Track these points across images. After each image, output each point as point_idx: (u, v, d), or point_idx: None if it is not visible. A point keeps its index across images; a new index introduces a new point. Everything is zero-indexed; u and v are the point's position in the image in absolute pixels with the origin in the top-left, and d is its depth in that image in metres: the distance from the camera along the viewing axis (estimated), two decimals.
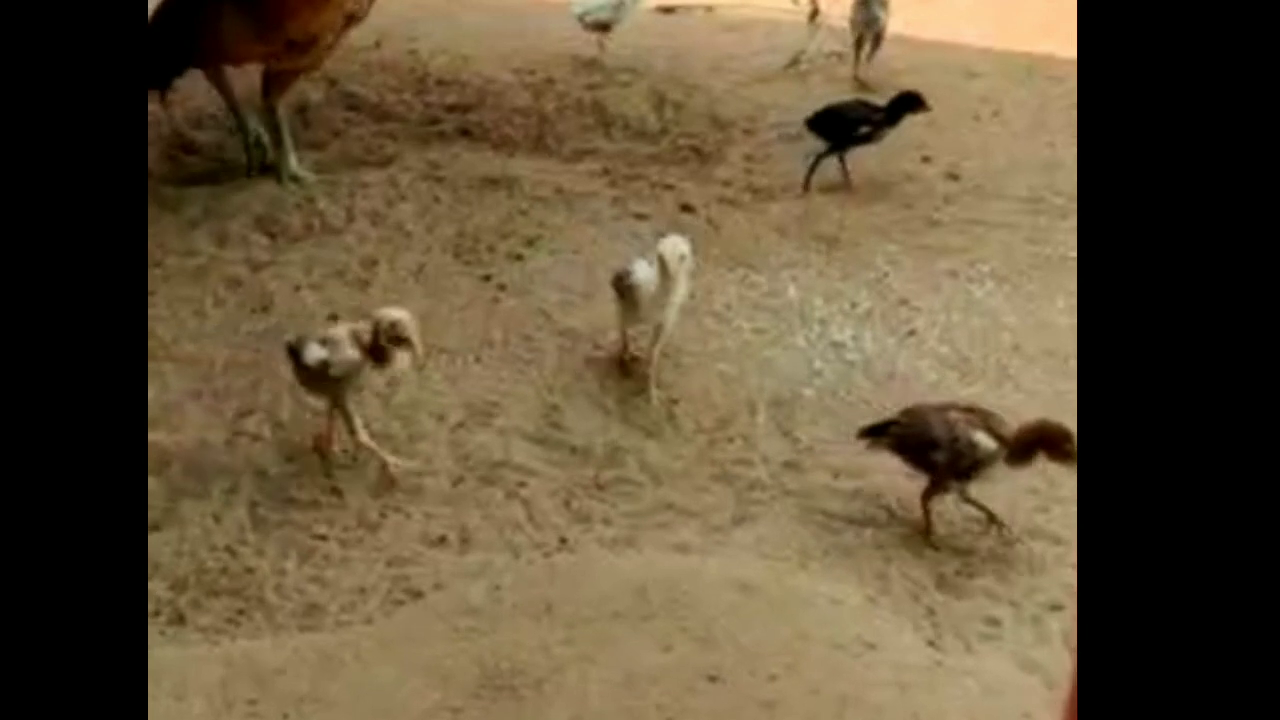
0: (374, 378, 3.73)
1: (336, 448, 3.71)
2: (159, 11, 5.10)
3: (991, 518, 3.48)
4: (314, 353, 3.58)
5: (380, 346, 3.56)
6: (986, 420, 3.47)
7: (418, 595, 3.22)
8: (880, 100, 5.35)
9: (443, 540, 3.43)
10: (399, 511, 3.55)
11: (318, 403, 3.75)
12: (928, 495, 3.49)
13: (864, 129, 5.20)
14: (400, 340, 3.54)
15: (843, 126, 5.22)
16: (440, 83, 6.22)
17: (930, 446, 3.45)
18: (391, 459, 3.63)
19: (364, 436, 3.64)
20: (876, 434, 3.58)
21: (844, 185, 5.26)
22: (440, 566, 3.31)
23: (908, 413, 3.59)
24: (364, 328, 3.60)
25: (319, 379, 3.62)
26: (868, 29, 6.08)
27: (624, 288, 4.00)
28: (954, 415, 3.48)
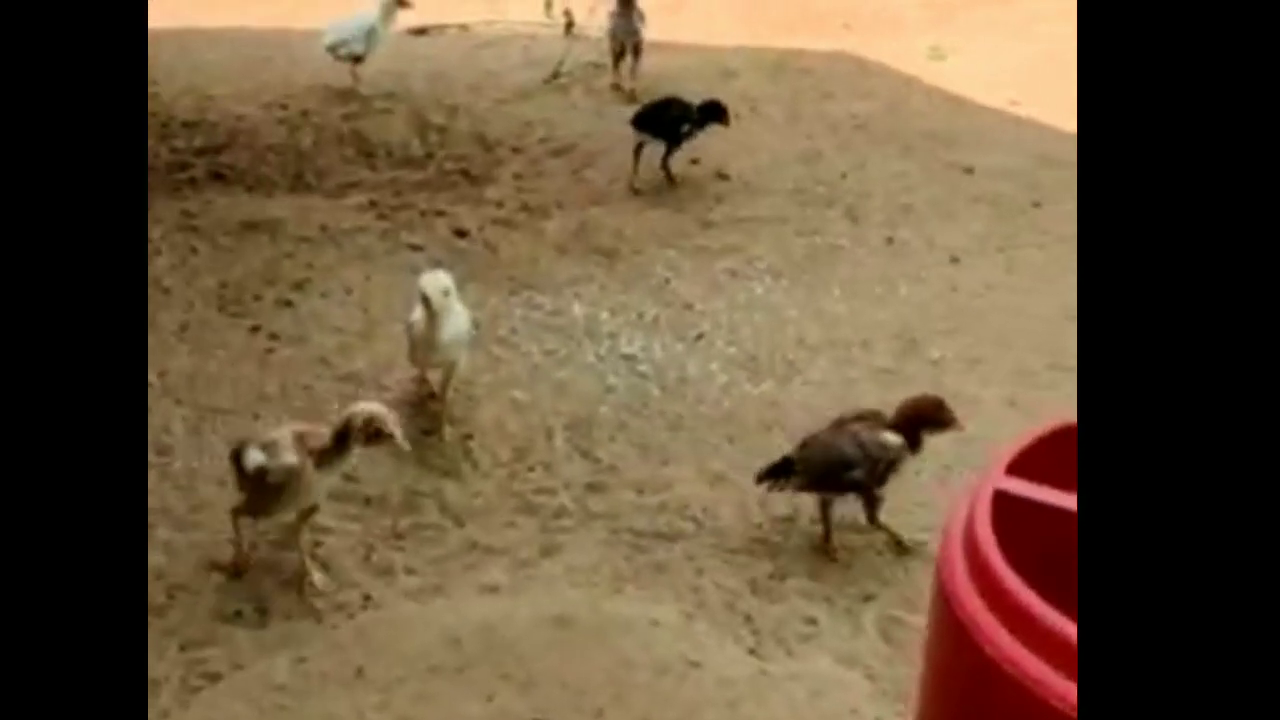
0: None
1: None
2: None
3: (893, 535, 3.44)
4: (253, 458, 3.24)
5: (342, 446, 3.19)
6: (878, 418, 3.38)
7: (215, 678, 3.01)
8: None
9: (239, 615, 3.23)
10: (187, 590, 3.32)
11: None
12: (871, 519, 3.38)
13: (685, 126, 5.22)
14: (381, 435, 3.18)
15: (669, 123, 5.25)
16: (186, 125, 5.93)
17: (845, 467, 3.33)
18: (319, 578, 3.31)
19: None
20: (778, 475, 3.40)
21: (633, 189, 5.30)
22: (239, 644, 3.12)
23: (806, 445, 3.42)
24: (312, 429, 3.26)
25: (259, 486, 3.25)
26: (628, 39, 6.10)
27: (407, 331, 3.88)
28: (853, 427, 3.37)
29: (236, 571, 3.33)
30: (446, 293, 3.75)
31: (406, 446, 3.30)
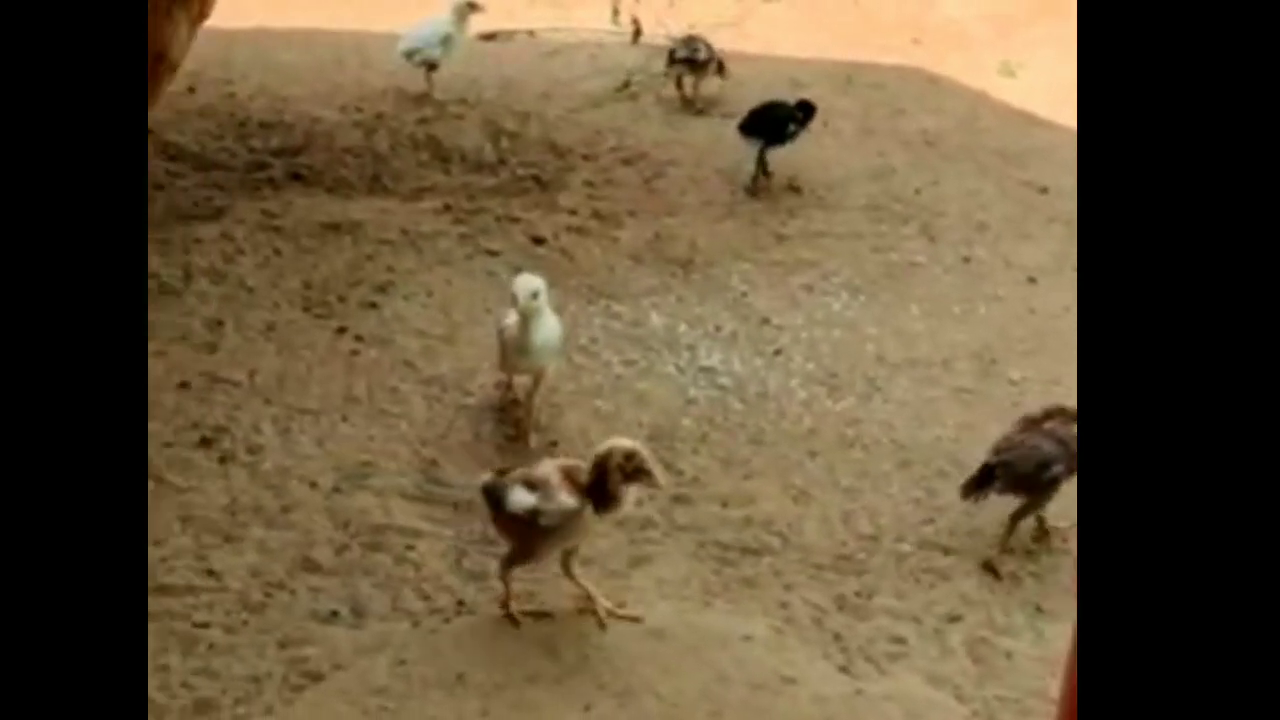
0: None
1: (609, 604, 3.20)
2: None
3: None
4: (520, 499, 3.04)
5: (604, 484, 3.00)
6: (1065, 414, 3.38)
7: (317, 678, 3.07)
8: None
9: (335, 615, 3.29)
10: (283, 588, 3.38)
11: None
12: (1025, 513, 3.40)
13: (792, 126, 5.35)
14: (641, 473, 2.99)
15: (775, 125, 5.36)
16: (263, 125, 5.99)
17: (1046, 466, 3.35)
18: (605, 603, 3.17)
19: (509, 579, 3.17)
20: (982, 485, 3.40)
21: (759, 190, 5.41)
22: (337, 644, 3.17)
23: (1002, 449, 3.41)
24: (577, 464, 3.08)
25: (527, 529, 3.04)
26: (690, 68, 6.16)
27: (498, 335, 3.93)
28: (1048, 425, 3.39)
29: (514, 621, 3.13)
30: (536, 295, 3.79)
31: (664, 484, 3.12)
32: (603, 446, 3.06)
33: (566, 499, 3.01)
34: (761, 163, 5.42)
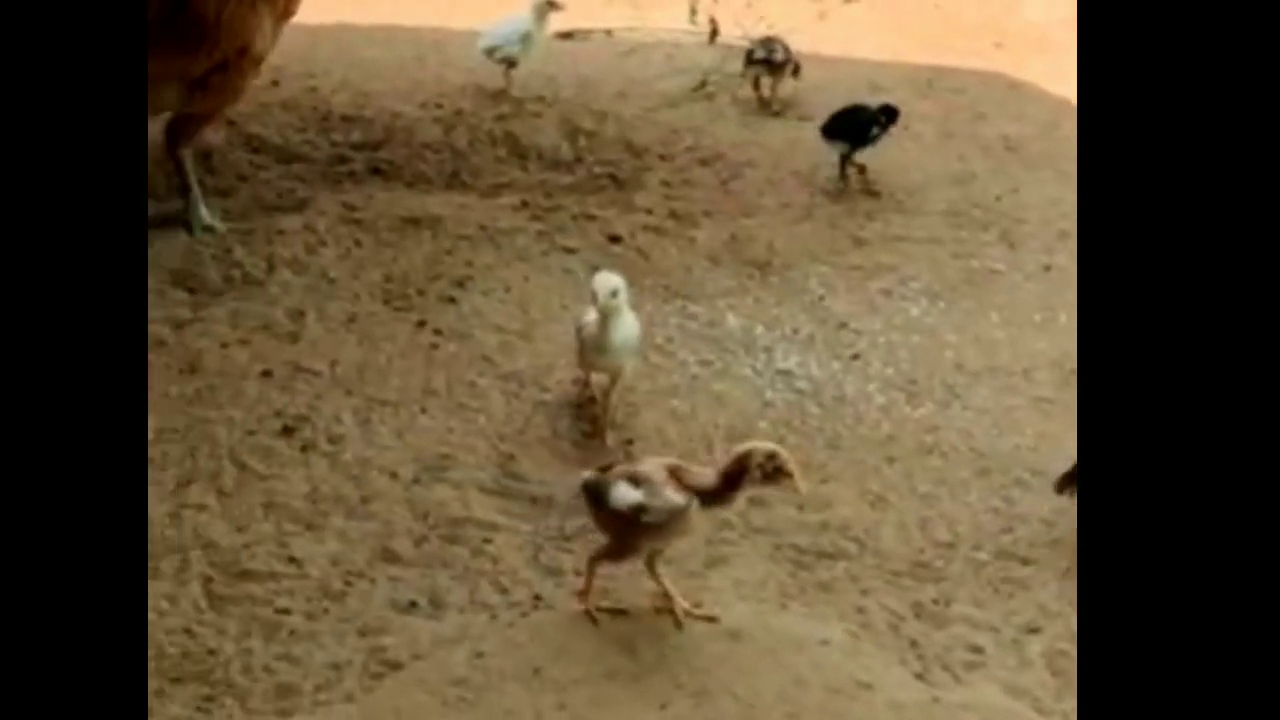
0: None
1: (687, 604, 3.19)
2: None
3: None
4: (625, 495, 3.02)
5: (737, 481, 2.98)
6: None
7: (397, 667, 3.11)
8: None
9: (414, 605, 3.32)
10: (363, 577, 3.43)
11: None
12: None
13: (874, 129, 5.36)
14: (780, 474, 2.97)
15: (858, 128, 5.38)
16: (345, 119, 6.06)
17: None
18: (682, 603, 3.15)
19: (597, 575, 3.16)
20: (1075, 480, 3.35)
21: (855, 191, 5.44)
22: (416, 634, 3.21)
23: None
24: (682, 464, 3.08)
25: (630, 526, 3.03)
26: (768, 69, 6.16)
27: (576, 333, 3.95)
28: None
29: (592, 618, 3.13)
30: (615, 294, 3.80)
31: (804, 489, 3.08)
32: (744, 446, 3.06)
33: (673, 496, 2.99)
34: (850, 165, 5.42)
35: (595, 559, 3.14)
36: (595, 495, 3.10)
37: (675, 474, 3.03)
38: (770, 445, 3.06)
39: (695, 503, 3.01)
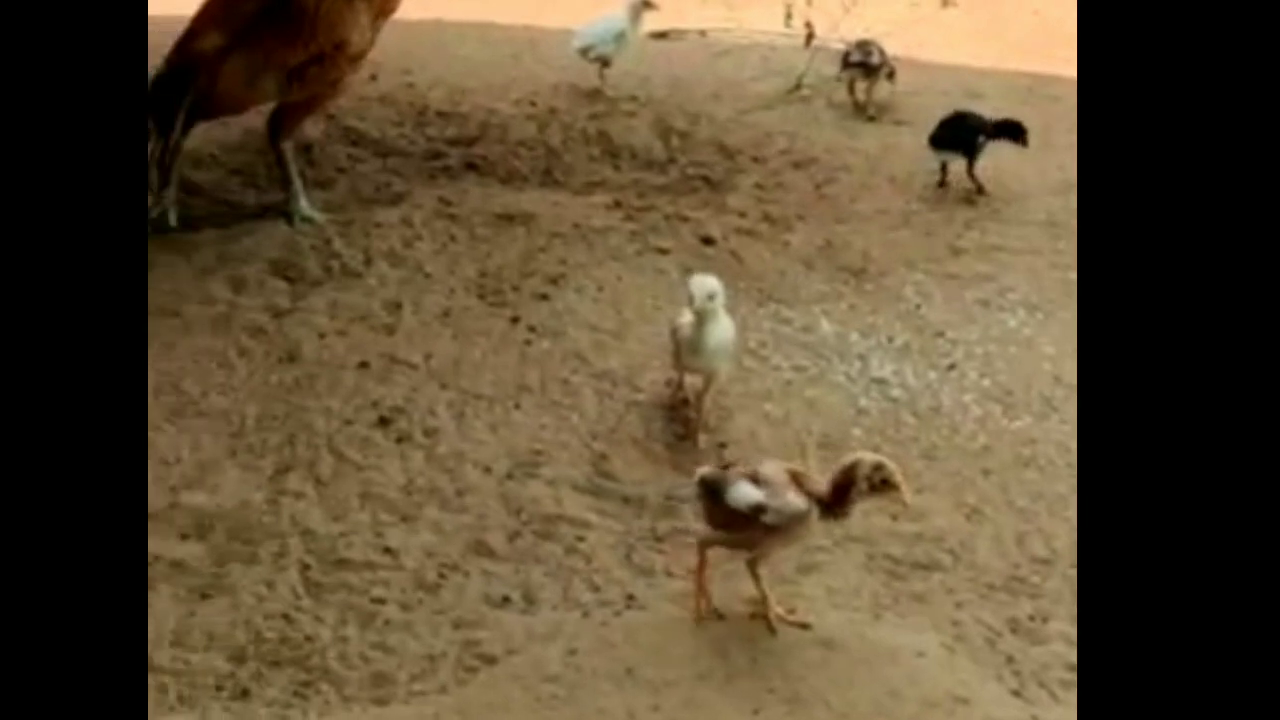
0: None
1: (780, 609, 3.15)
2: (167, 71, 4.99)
3: None
4: (746, 493, 2.99)
5: (847, 492, 2.95)
6: None
7: (491, 661, 3.13)
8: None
9: (507, 600, 3.34)
10: (457, 570, 3.46)
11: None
12: None
13: (981, 138, 5.33)
14: (888, 485, 2.94)
15: (966, 136, 5.35)
16: (440, 115, 6.12)
17: None
18: (777, 609, 3.11)
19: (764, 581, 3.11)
20: None
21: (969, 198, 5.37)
22: (510, 629, 3.23)
23: None
24: (803, 469, 3.08)
25: (747, 525, 3.00)
26: (864, 72, 6.12)
27: (672, 334, 3.95)
28: None
29: (770, 625, 3.09)
30: (712, 296, 3.80)
31: (909, 501, 3.06)
32: (850, 456, 3.03)
33: (794, 499, 2.97)
34: (970, 179, 5.35)
35: (752, 566, 3.08)
36: (711, 491, 3.06)
37: (796, 479, 3.01)
38: (877, 456, 3.02)
39: (815, 510, 2.98)
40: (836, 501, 2.97)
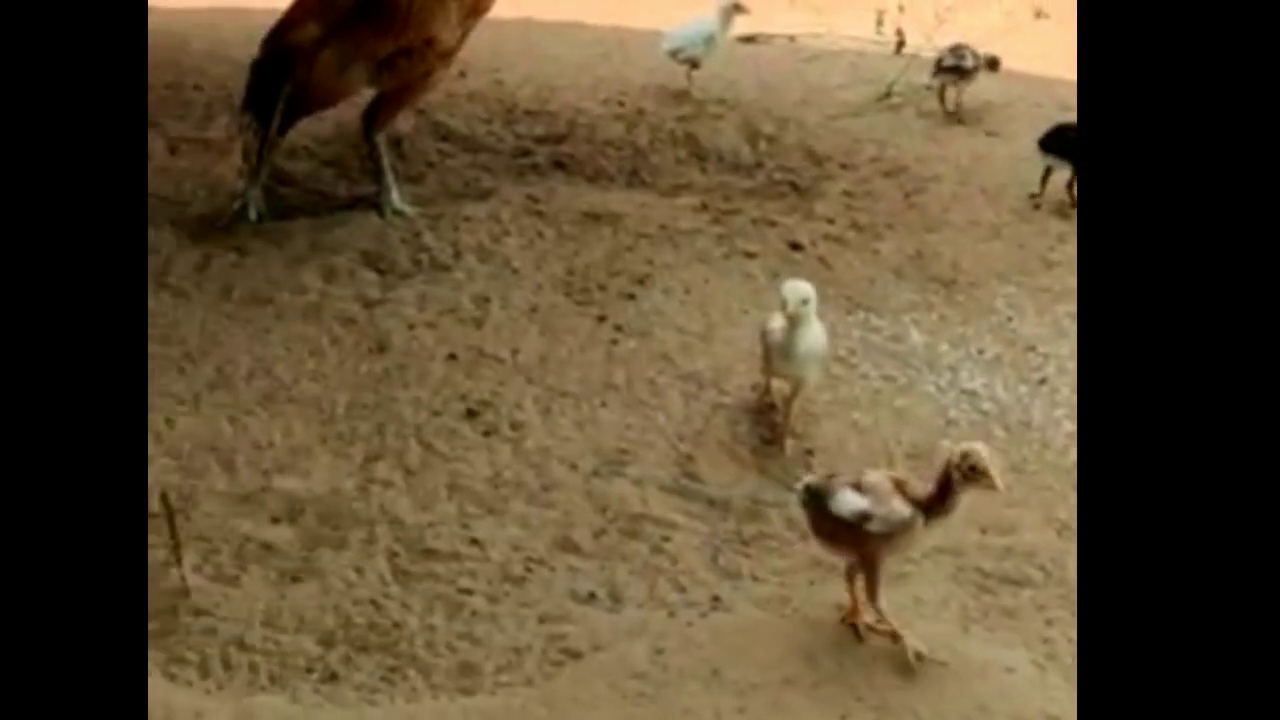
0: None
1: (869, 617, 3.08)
2: (264, 61, 5.07)
3: None
4: (851, 501, 2.96)
5: (948, 487, 2.91)
6: None
7: (576, 656, 3.13)
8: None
9: (593, 597, 3.35)
10: (543, 565, 3.47)
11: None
12: None
13: None
14: (976, 473, 2.87)
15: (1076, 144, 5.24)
16: (529, 113, 6.16)
17: None
18: (914, 644, 3.01)
19: (884, 607, 3.03)
20: None
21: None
22: (595, 625, 3.23)
23: None
24: (908, 478, 3.03)
25: (855, 534, 2.97)
26: (958, 76, 6.07)
27: (762, 338, 3.93)
28: None
29: (858, 633, 3.05)
30: (805, 301, 3.78)
31: (1000, 486, 2.92)
32: (945, 451, 3.00)
33: (899, 506, 2.95)
34: (1070, 187, 5.29)
35: (870, 590, 3.03)
36: (816, 500, 3.05)
37: (900, 486, 2.98)
38: (966, 444, 2.96)
39: (921, 518, 2.95)
40: (940, 499, 2.94)
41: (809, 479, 3.15)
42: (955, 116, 6.13)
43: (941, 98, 6.19)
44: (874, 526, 2.95)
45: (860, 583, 3.07)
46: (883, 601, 3.03)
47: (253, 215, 5.11)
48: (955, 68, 6.07)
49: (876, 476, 3.03)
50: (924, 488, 2.98)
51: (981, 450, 2.90)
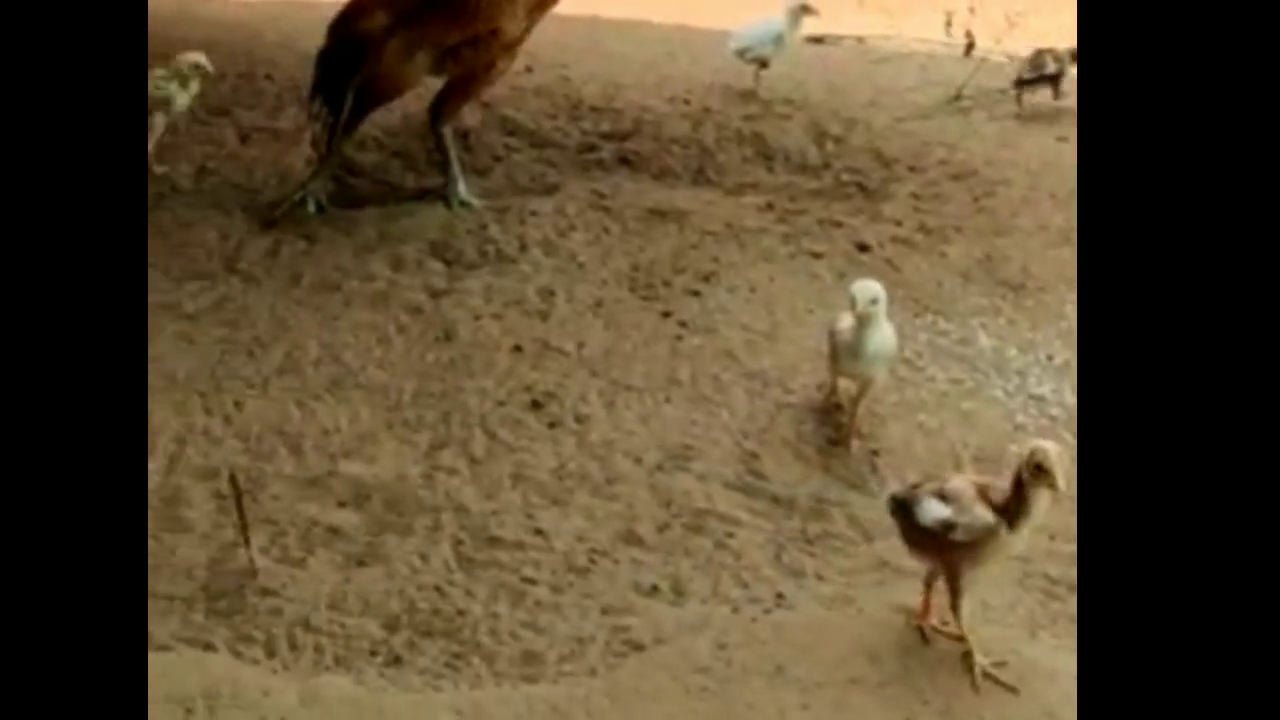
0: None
1: (935, 620, 3.08)
2: (332, 50, 5.12)
3: None
4: (934, 510, 2.94)
5: (1021, 494, 2.87)
6: None
7: (639, 648, 3.13)
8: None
9: (655, 590, 3.34)
10: (607, 556, 3.47)
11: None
12: None
13: None
14: (1042, 470, 2.81)
15: None
16: (594, 110, 6.17)
17: None
18: (982, 660, 2.97)
19: (965, 618, 2.99)
20: None
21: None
22: (658, 618, 3.22)
23: None
24: (991, 482, 2.97)
25: (941, 542, 2.94)
26: (1044, 83, 6.03)
27: (830, 337, 3.91)
28: None
29: (924, 635, 3.04)
30: (875, 302, 3.76)
31: (1062, 486, 2.83)
32: (1018, 451, 2.96)
33: (982, 513, 2.90)
34: None
35: (953, 600, 3.00)
36: (904, 510, 3.02)
37: (984, 493, 2.94)
38: (1035, 442, 2.91)
39: (1005, 525, 2.90)
40: (1017, 501, 2.89)
41: (894, 490, 3.13)
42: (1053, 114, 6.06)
43: (1019, 99, 6.12)
44: (958, 535, 2.91)
45: (939, 587, 3.04)
46: (965, 610, 2.98)
47: (311, 208, 5.15)
48: (1037, 79, 6.02)
49: (960, 483, 2.98)
50: (1004, 491, 2.93)
51: (1050, 449, 2.84)
